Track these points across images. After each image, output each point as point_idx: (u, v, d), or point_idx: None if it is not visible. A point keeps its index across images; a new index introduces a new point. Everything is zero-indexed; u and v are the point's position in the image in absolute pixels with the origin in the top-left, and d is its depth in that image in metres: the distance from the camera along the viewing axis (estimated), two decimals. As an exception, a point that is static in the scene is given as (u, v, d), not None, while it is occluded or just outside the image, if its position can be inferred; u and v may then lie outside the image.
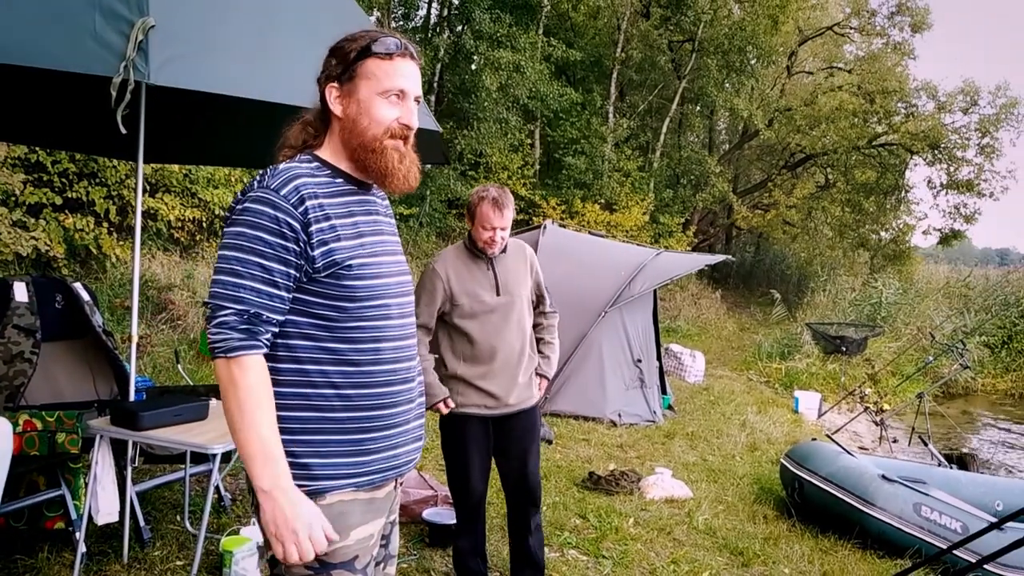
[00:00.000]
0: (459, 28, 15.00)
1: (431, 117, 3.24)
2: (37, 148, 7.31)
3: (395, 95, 1.74)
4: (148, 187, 8.38)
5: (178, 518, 3.99)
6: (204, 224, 9.47)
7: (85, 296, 4.15)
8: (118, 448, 3.50)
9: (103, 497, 3.22)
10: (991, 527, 2.85)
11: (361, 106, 1.72)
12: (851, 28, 21.36)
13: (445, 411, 3.20)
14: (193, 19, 2.44)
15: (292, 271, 1.65)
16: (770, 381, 11.69)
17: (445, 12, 16.71)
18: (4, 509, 3.22)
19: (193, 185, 9.06)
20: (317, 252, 1.66)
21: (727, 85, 19.44)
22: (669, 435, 7.17)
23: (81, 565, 3.24)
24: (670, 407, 8.26)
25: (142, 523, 3.64)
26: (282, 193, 1.64)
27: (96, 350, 4.17)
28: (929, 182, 21.39)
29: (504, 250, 3.30)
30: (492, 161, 15.25)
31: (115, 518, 3.28)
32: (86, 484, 3.44)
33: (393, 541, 1.99)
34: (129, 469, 3.47)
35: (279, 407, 1.67)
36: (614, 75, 18.19)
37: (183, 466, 4.16)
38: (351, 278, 1.70)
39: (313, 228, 1.65)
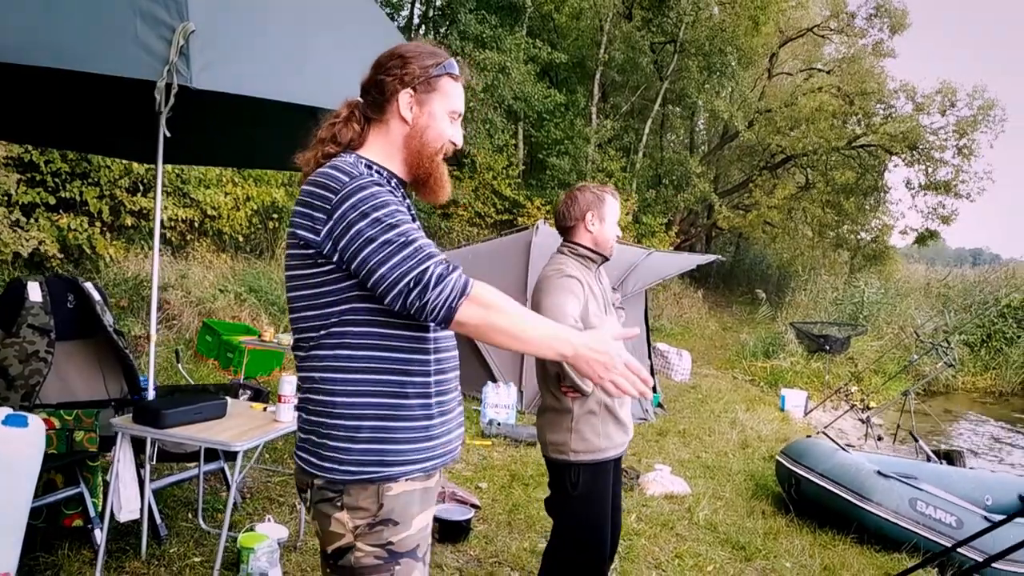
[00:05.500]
0: (444, 29, 15.02)
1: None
2: (30, 148, 7.27)
3: (457, 115, 1.88)
4: (140, 187, 8.35)
5: (190, 515, 4.02)
6: (195, 224, 9.44)
7: (96, 296, 4.16)
8: (138, 446, 3.53)
9: (125, 494, 3.25)
10: (1000, 523, 2.96)
11: (432, 119, 1.83)
12: (830, 30, 21.64)
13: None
14: (230, 24, 2.49)
15: None
16: (755, 379, 11.83)
17: (430, 13, 16.71)
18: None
19: (185, 185, 9.04)
20: None
21: (708, 86, 19.62)
22: (662, 433, 7.27)
23: (103, 561, 3.26)
24: (660, 405, 8.36)
25: (159, 520, 3.67)
26: (373, 177, 1.70)
27: (107, 349, 4.18)
28: (907, 183, 21.72)
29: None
30: (478, 161, 15.30)
31: (136, 515, 3.31)
32: (104, 482, 3.47)
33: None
34: (148, 467, 3.50)
35: (355, 393, 1.72)
36: (597, 76, 18.30)
37: (191, 465, 4.21)
38: None
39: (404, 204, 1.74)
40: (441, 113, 1.84)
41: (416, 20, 17.20)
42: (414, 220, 1.75)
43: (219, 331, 6.91)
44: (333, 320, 1.72)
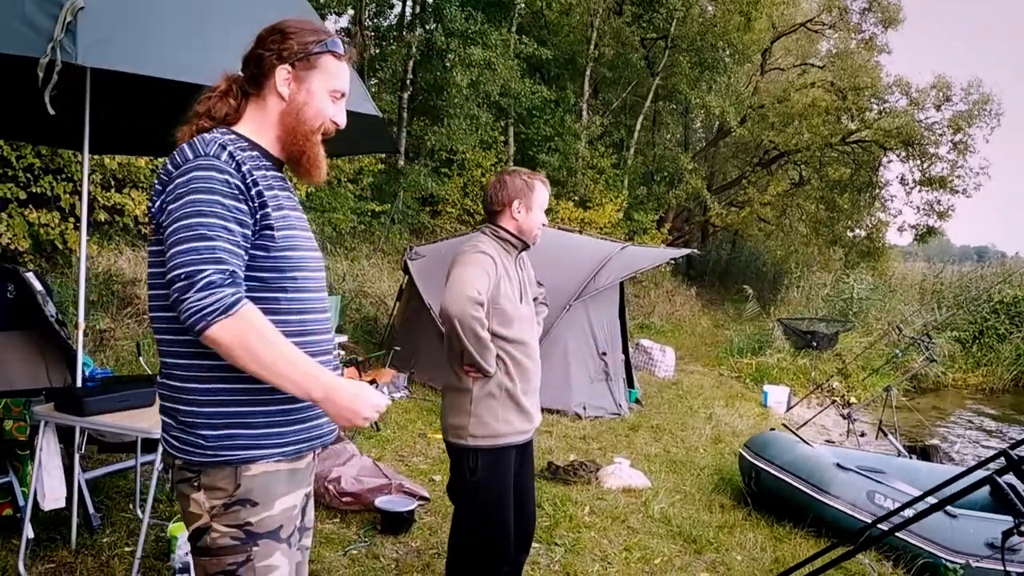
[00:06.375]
0: (431, 26, 14.99)
1: (371, 102, 3.26)
2: (0, 142, 7.25)
3: (339, 95, 1.85)
4: (114, 182, 8.33)
5: (130, 506, 4.00)
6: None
7: (37, 286, 4.14)
8: (69, 436, 3.51)
9: (48, 482, 3.23)
10: (912, 502, 2.93)
11: (311, 96, 1.80)
12: (823, 24, 21.54)
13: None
14: (125, 1, 2.46)
15: (248, 232, 1.67)
16: (741, 376, 11.77)
17: (417, 9, 16.68)
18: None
19: (161, 180, 9.00)
20: (259, 215, 1.69)
21: (702, 83, 19.55)
22: (634, 427, 7.23)
23: (27, 550, 3.24)
24: (637, 401, 8.31)
25: (91, 510, 3.65)
26: (222, 158, 1.65)
27: (49, 340, 4.15)
28: (902, 179, 21.64)
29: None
30: (466, 158, 15.25)
31: (61, 504, 3.29)
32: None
33: (309, 513, 2.02)
34: (76, 455, 3.47)
35: (206, 379, 1.69)
36: (587, 72, 18.25)
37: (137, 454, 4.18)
38: (277, 249, 1.72)
39: (253, 192, 1.69)
40: (321, 91, 1.81)
41: (408, 16, 17.12)
42: (257, 211, 1.68)
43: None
44: None
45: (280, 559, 1.78)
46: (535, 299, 3.06)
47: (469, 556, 2.80)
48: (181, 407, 1.72)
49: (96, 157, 7.81)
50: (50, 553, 3.41)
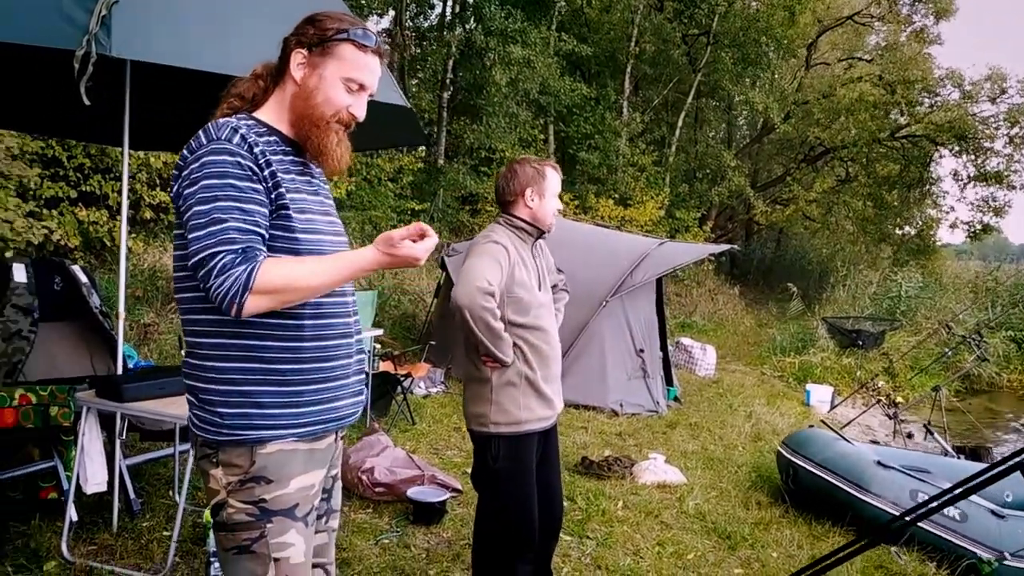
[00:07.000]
0: (471, 25, 15.07)
1: (399, 93, 3.29)
2: (53, 143, 7.48)
3: (357, 86, 1.84)
4: (159, 181, 8.53)
5: (169, 492, 4.10)
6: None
7: (83, 278, 4.27)
8: (111, 423, 3.61)
9: (91, 467, 3.32)
10: (943, 493, 2.86)
11: (322, 82, 1.80)
12: (871, 17, 21.09)
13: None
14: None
15: (265, 211, 1.71)
16: (784, 375, 11.60)
17: (457, 9, 16.79)
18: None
19: (207, 179, 9.19)
20: (273, 195, 1.72)
21: (747, 79, 19.30)
22: (671, 425, 7.17)
23: (71, 532, 3.35)
24: (676, 399, 8.25)
25: (132, 495, 3.75)
26: (234, 141, 1.69)
27: (93, 330, 4.28)
28: (955, 174, 21.09)
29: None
30: (505, 156, 15.28)
31: (103, 488, 3.38)
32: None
33: (335, 495, 2.04)
34: (118, 441, 3.57)
35: (223, 358, 1.73)
36: (628, 69, 18.15)
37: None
38: (295, 231, 1.75)
39: (266, 172, 1.72)
40: (333, 79, 1.81)
41: (448, 16, 17.22)
42: (272, 191, 1.72)
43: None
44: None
45: (295, 536, 1.80)
46: (555, 286, 3.05)
47: (493, 543, 2.82)
48: (200, 384, 1.76)
49: (142, 156, 8.01)
50: (92, 535, 3.52)
